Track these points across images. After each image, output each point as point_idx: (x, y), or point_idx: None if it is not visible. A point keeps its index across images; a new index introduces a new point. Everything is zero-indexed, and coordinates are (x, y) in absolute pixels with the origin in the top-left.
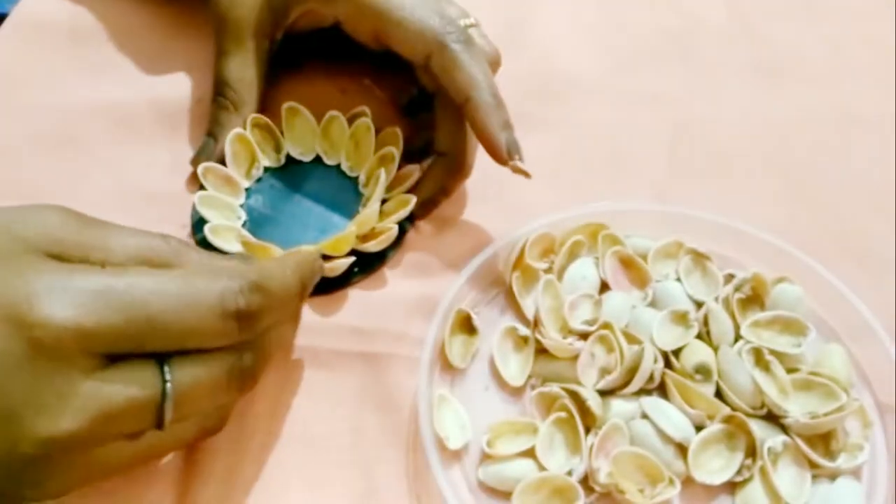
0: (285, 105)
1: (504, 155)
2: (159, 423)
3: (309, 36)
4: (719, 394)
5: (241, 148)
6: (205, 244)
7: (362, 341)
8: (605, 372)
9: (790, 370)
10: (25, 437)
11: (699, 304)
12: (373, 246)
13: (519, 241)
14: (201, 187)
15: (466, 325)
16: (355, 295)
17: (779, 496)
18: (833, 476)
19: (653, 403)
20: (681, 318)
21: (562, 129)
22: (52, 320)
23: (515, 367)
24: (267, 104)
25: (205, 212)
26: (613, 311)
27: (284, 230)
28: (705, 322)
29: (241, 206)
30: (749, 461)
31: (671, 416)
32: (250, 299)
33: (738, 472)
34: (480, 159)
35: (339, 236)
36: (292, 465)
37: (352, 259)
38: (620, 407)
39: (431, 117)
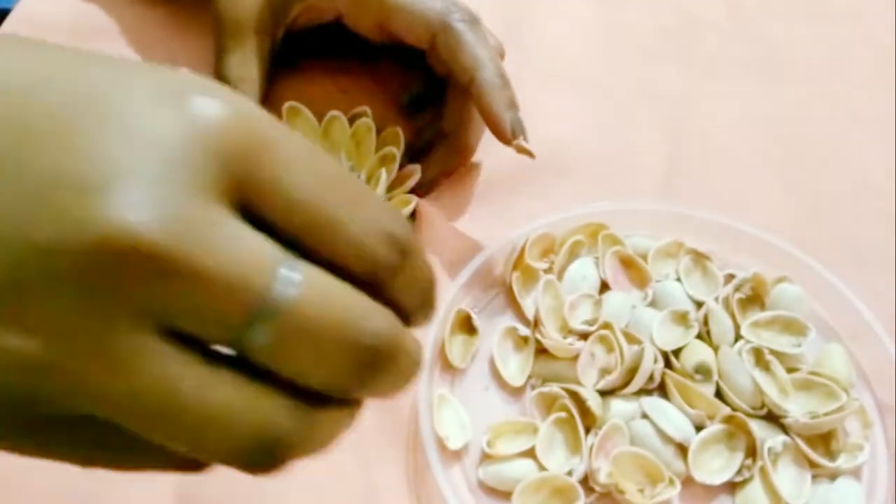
0: (286, 105)
1: (508, 134)
2: (244, 324)
3: (309, 35)
4: (719, 394)
5: None
6: None
7: None
8: (605, 372)
9: (790, 370)
10: (95, 211)
11: (699, 304)
12: None
13: (519, 241)
14: None
15: (466, 325)
16: None
17: (779, 496)
18: (833, 476)
19: (653, 403)
20: (681, 318)
21: (562, 128)
22: (219, 124)
23: (515, 367)
24: (268, 104)
25: None
26: (613, 311)
27: None
28: (705, 322)
29: None
30: (749, 461)
31: (671, 416)
32: (411, 237)
33: (738, 472)
34: (482, 158)
35: None
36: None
37: None
38: (620, 407)
39: (432, 117)
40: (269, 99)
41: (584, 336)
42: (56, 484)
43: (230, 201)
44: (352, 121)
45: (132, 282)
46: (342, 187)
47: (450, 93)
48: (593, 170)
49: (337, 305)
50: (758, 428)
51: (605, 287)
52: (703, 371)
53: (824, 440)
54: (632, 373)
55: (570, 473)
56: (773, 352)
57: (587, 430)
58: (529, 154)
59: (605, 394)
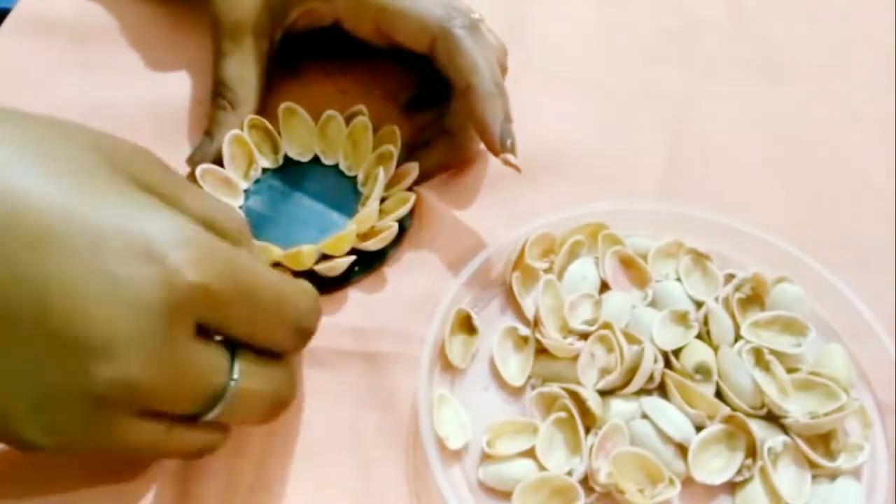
0: (282, 105)
1: (497, 146)
2: (200, 415)
3: (308, 36)
4: (719, 394)
5: (239, 149)
6: None
7: (362, 341)
8: (605, 372)
9: (790, 370)
10: (100, 373)
11: (699, 304)
12: (373, 244)
13: (519, 241)
14: None
15: (466, 325)
16: (355, 295)
17: (779, 496)
18: (833, 476)
19: (653, 403)
20: (681, 318)
21: (563, 128)
22: (183, 276)
23: (515, 367)
24: (265, 105)
25: None
26: (613, 311)
27: (284, 230)
28: (705, 322)
29: (240, 207)
30: (749, 461)
31: (671, 416)
32: (317, 321)
33: (738, 472)
34: (483, 158)
35: (340, 235)
36: (292, 465)
37: (352, 258)
38: (620, 407)
39: (431, 116)
40: (268, 101)
41: (584, 336)
42: (56, 484)
43: (193, 325)
44: (348, 120)
45: (128, 406)
46: (272, 316)
47: (452, 92)
48: (594, 170)
49: (258, 382)
50: (758, 428)
51: (605, 287)
52: (703, 371)
53: (824, 440)
54: (632, 373)
55: (570, 473)
56: (773, 352)
57: (587, 430)
58: (516, 169)
59: (605, 394)
